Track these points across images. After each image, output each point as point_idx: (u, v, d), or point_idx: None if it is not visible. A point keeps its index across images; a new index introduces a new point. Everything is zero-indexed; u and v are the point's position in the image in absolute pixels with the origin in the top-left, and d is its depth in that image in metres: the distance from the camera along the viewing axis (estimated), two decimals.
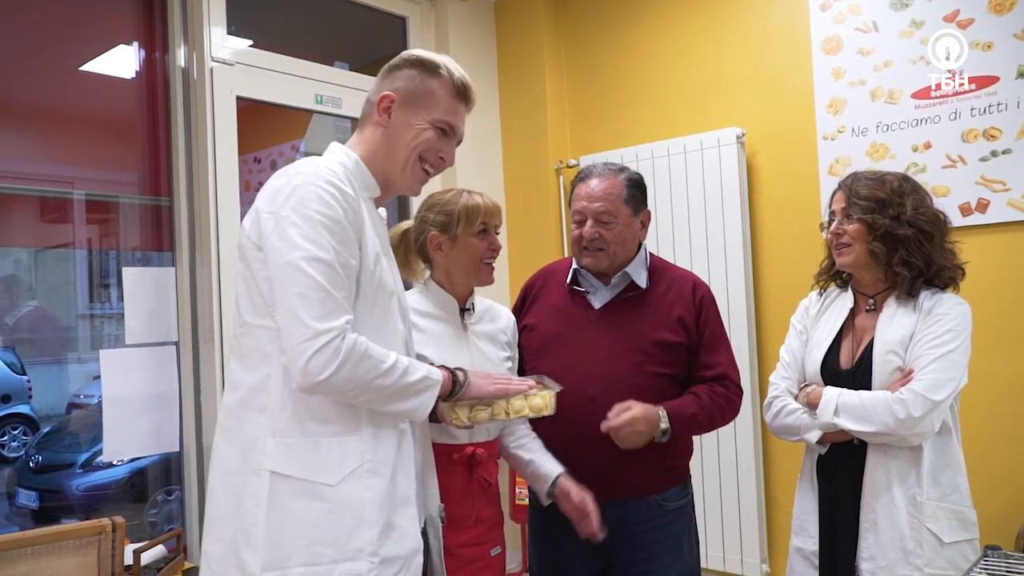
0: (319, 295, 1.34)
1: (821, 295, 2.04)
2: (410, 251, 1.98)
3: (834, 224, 1.89)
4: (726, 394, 1.99)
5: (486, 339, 1.93)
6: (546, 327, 2.03)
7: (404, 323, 1.58)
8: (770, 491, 3.38)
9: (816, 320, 1.99)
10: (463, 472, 1.84)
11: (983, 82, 2.87)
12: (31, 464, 3.33)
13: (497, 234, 1.91)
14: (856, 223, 1.84)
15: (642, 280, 2.01)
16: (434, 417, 1.62)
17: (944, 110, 2.96)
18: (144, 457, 3.10)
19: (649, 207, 2.10)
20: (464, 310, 1.92)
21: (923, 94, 3.00)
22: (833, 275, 2.01)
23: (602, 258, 1.98)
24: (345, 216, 1.40)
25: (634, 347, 1.94)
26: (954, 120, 2.93)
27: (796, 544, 1.95)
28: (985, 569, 1.37)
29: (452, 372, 1.56)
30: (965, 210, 2.91)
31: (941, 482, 1.76)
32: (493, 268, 1.91)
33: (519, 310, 2.16)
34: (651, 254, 2.10)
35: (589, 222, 1.97)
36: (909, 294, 1.83)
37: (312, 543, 1.36)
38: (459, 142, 1.64)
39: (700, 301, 2.01)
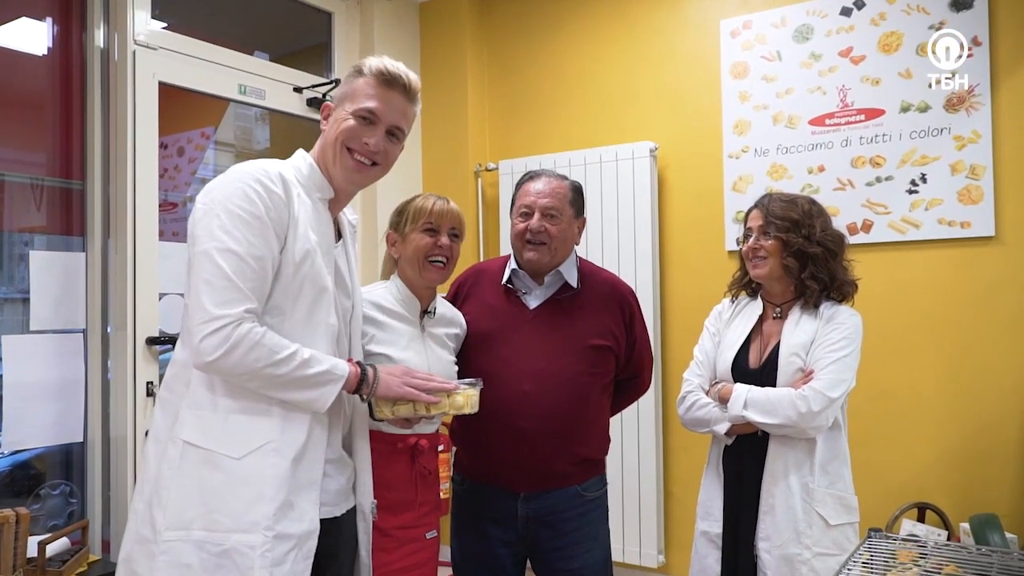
0: (223, 283, 1.43)
1: (733, 302, 2.24)
2: (388, 258, 2.07)
3: (752, 239, 2.08)
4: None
5: (439, 342, 2.02)
6: (481, 324, 2.11)
7: (337, 318, 1.63)
8: (668, 486, 3.58)
9: (728, 324, 2.19)
10: (406, 461, 1.93)
11: (871, 114, 3.16)
12: None
13: (455, 240, 1.99)
14: (773, 240, 2.05)
15: (573, 280, 2.12)
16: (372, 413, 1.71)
17: (837, 137, 3.23)
18: (28, 449, 2.99)
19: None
20: (425, 312, 2.00)
21: (819, 121, 3.27)
22: (744, 285, 2.21)
23: (544, 252, 2.06)
24: (267, 212, 1.47)
25: (568, 347, 2.06)
26: (845, 147, 3.21)
27: (701, 528, 2.13)
28: (869, 549, 1.55)
29: (362, 369, 1.60)
30: (852, 229, 3.19)
31: (829, 471, 1.99)
32: (440, 268, 1.97)
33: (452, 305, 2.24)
34: (580, 258, 2.21)
35: (536, 215, 2.06)
36: (815, 305, 2.04)
37: (211, 511, 1.44)
38: (401, 130, 1.69)
39: (630, 313, 2.16)
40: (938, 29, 3.02)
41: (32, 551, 2.46)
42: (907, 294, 3.10)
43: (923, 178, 3.06)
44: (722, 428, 2.03)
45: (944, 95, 3.01)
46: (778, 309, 2.12)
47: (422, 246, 1.95)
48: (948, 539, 2.89)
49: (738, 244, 2.17)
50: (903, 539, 1.66)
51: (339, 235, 1.72)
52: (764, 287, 2.15)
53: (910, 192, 3.08)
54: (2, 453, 3.07)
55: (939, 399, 3.04)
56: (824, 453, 1.98)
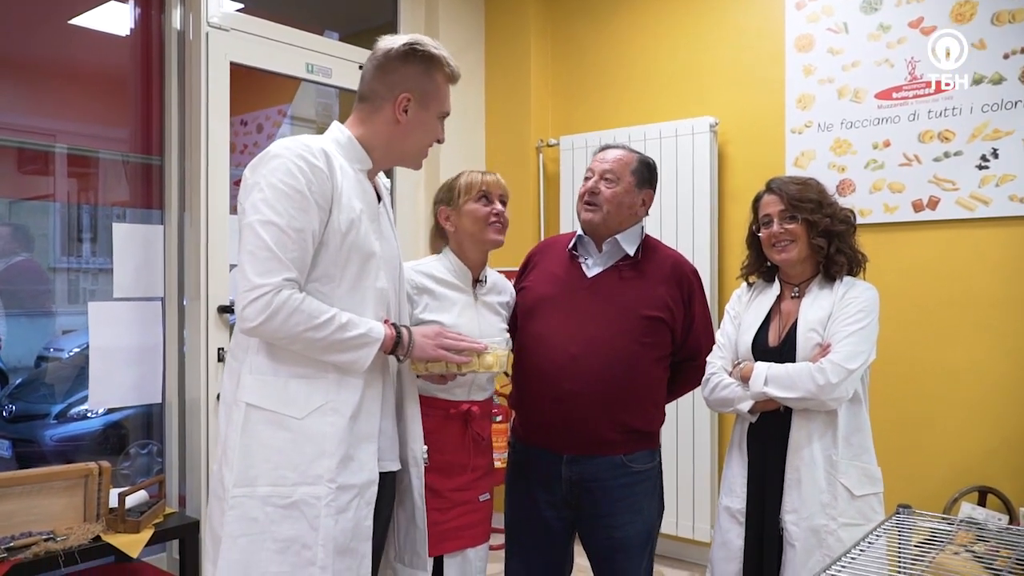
0: (264, 254, 1.52)
1: (750, 286, 2.27)
2: (436, 235, 2.18)
3: (774, 225, 2.08)
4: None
5: (490, 309, 2.12)
6: (539, 289, 2.19)
7: (389, 281, 1.73)
8: (722, 462, 3.56)
9: (747, 307, 2.22)
10: (459, 426, 2.03)
11: (940, 86, 3.05)
12: (4, 413, 3.37)
13: (503, 205, 2.09)
14: (800, 223, 2.05)
15: (631, 249, 2.16)
16: None
17: (904, 111, 3.13)
18: (119, 410, 3.20)
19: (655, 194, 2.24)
20: (477, 281, 2.11)
21: (886, 95, 3.18)
22: (756, 269, 2.24)
23: (595, 213, 2.12)
24: (308, 187, 1.55)
25: (621, 315, 2.10)
26: (912, 121, 3.12)
27: (724, 503, 2.16)
28: (896, 524, 1.55)
29: (397, 331, 1.68)
30: (917, 206, 3.10)
31: (852, 443, 2.00)
32: (500, 230, 2.07)
33: (521, 275, 2.32)
34: (648, 235, 2.25)
35: (594, 178, 2.14)
36: (830, 280, 2.07)
37: (277, 467, 1.56)
38: None
39: (690, 290, 2.18)
40: None
41: (113, 502, 2.65)
42: (975, 273, 3.00)
43: (995, 153, 2.95)
44: (745, 406, 2.05)
45: (1020, 66, 2.89)
46: (796, 289, 2.13)
47: (481, 214, 2.05)
48: (1010, 523, 2.83)
49: (756, 232, 2.16)
50: (933, 516, 1.65)
51: (378, 197, 1.80)
52: (783, 269, 2.15)
53: (980, 168, 2.97)
54: (95, 413, 3.31)
55: (1005, 381, 2.95)
56: (846, 425, 1.99)
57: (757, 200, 2.17)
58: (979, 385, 3.00)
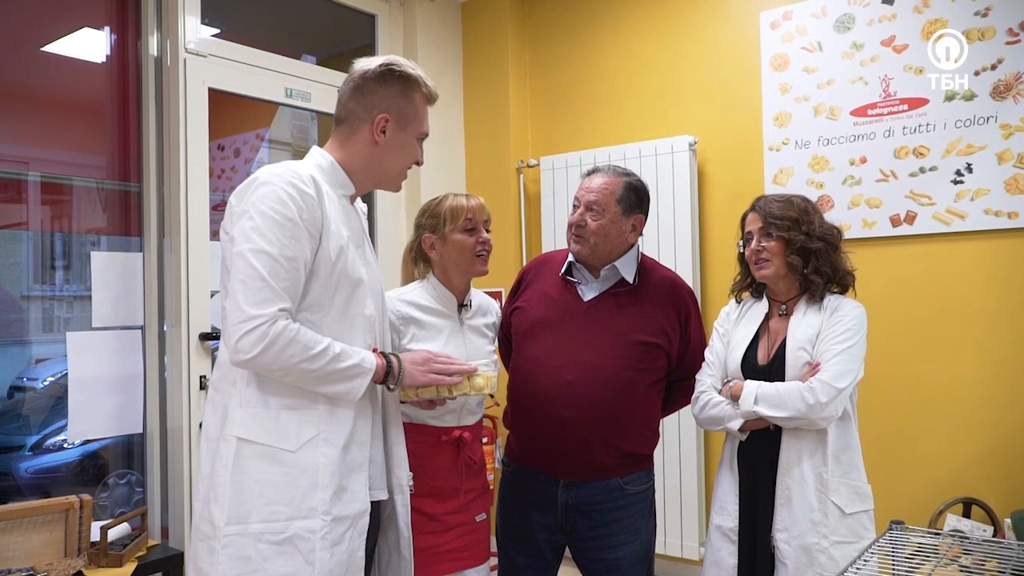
0: (258, 284, 1.49)
1: (739, 304, 2.27)
2: (417, 258, 2.17)
3: (753, 242, 2.10)
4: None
5: (477, 333, 2.12)
6: (535, 311, 2.17)
7: (375, 308, 1.72)
8: (710, 479, 3.58)
9: (736, 324, 2.22)
10: (451, 452, 2.02)
11: (914, 103, 3.10)
12: None
13: (487, 231, 2.10)
14: (775, 240, 2.07)
15: (630, 275, 2.15)
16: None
17: (879, 128, 3.18)
18: (95, 440, 3.15)
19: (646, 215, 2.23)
20: (462, 305, 2.10)
21: (861, 112, 3.23)
22: (746, 286, 2.25)
23: (583, 245, 2.11)
24: (299, 215, 1.53)
25: (616, 341, 2.09)
26: (888, 137, 3.16)
27: (716, 522, 2.16)
28: (889, 540, 1.56)
29: (387, 360, 1.67)
30: (895, 221, 3.14)
31: (842, 461, 2.00)
32: (486, 260, 2.09)
33: (514, 292, 2.31)
34: (643, 255, 2.24)
35: (580, 209, 2.13)
36: (819, 299, 2.08)
37: (271, 502, 1.52)
38: None
39: (686, 313, 2.18)
40: (984, 16, 2.95)
41: (95, 535, 2.59)
42: (953, 287, 3.04)
43: (968, 168, 3.00)
44: (735, 424, 2.05)
45: (990, 83, 2.95)
46: (783, 306, 2.14)
47: (468, 244, 2.05)
48: (994, 535, 2.85)
49: (739, 248, 2.18)
50: (926, 531, 1.66)
51: None
52: (769, 286, 2.17)
53: (955, 182, 3.02)
54: (72, 444, 3.24)
55: (988, 393, 2.98)
56: (836, 443, 1.99)
57: (744, 217, 2.19)
58: (962, 397, 3.03)
